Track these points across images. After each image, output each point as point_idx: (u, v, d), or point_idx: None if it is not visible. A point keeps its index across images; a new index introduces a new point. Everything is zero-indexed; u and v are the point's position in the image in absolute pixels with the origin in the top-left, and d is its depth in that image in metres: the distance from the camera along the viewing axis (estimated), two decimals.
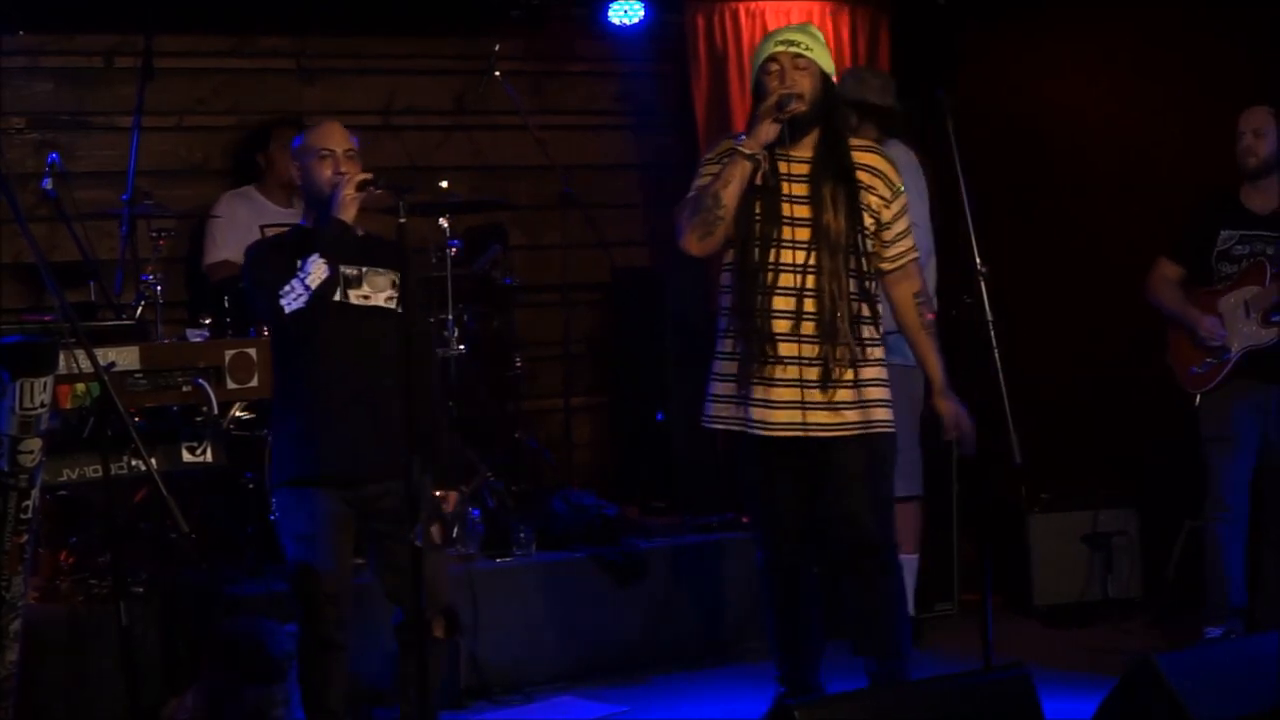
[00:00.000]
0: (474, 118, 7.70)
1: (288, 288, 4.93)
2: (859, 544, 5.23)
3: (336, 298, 4.99)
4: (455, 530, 6.29)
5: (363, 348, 5.01)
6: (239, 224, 6.83)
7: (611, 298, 7.97)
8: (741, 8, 7.68)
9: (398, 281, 5.05)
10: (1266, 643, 4.60)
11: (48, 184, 6.43)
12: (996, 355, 4.97)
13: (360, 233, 5.08)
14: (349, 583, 5.04)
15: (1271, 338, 6.21)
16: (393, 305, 5.06)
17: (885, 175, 5.24)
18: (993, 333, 4.98)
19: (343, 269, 5.00)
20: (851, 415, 5.17)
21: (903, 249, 5.30)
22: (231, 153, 7.27)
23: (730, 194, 5.14)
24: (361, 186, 4.98)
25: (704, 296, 7.61)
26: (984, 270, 5.06)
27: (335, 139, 5.10)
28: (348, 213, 4.97)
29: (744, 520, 6.74)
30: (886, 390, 5.26)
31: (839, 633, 5.74)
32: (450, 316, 6.63)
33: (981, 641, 4.92)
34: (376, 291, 5.06)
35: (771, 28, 7.60)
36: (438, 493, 5.10)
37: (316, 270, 4.91)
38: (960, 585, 7.06)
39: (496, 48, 7.45)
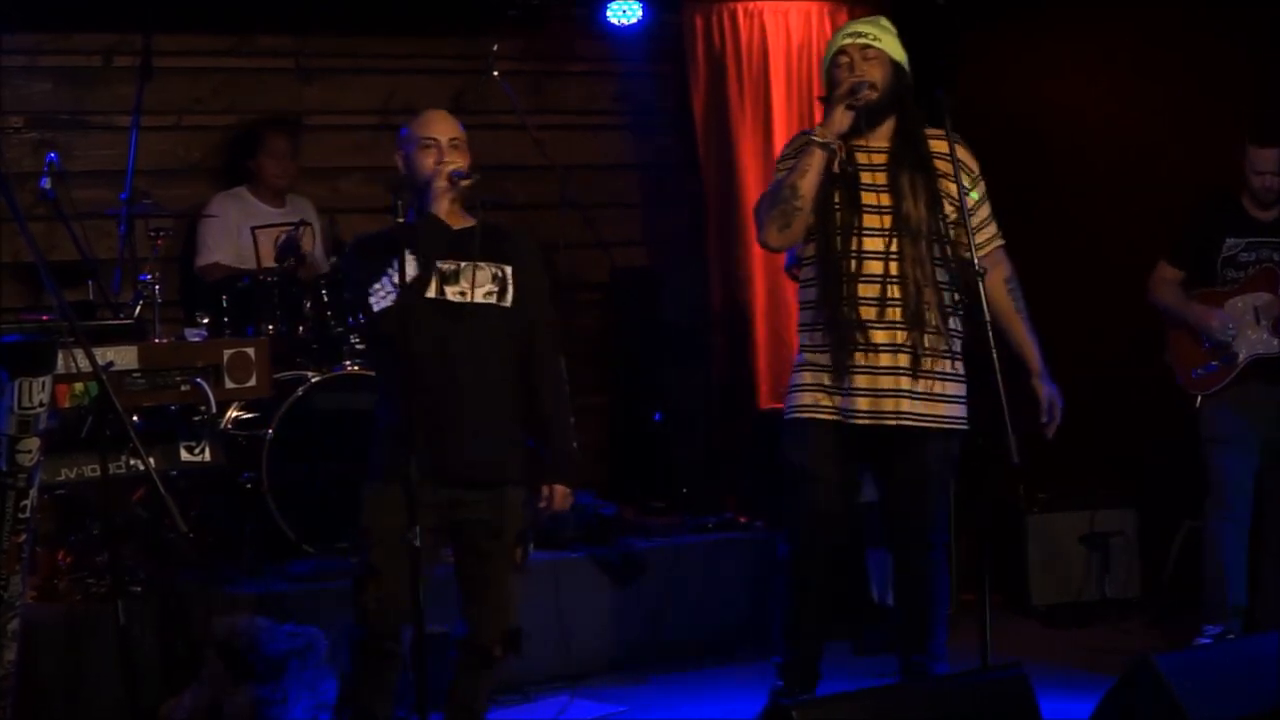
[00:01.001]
0: (472, 117, 7.57)
1: (377, 285, 4.72)
2: (922, 540, 5.28)
3: (431, 294, 4.73)
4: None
5: (456, 347, 4.74)
6: (231, 225, 6.83)
7: (611, 297, 7.95)
8: (739, 8, 7.67)
9: (504, 274, 4.83)
10: (1266, 643, 4.60)
11: (46, 183, 6.42)
12: (996, 355, 4.96)
13: (465, 225, 4.82)
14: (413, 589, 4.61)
15: None
16: (492, 300, 4.81)
17: (963, 163, 5.24)
18: (992, 333, 4.97)
19: (440, 264, 4.74)
20: (943, 408, 5.21)
21: (988, 235, 5.34)
22: (230, 152, 7.27)
23: (807, 183, 5.14)
24: (451, 178, 4.76)
25: (703, 296, 7.63)
26: (984, 270, 5.05)
27: (439, 127, 4.85)
28: (439, 206, 4.74)
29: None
30: (964, 387, 5.28)
31: (838, 633, 5.73)
32: None
33: (979, 641, 4.91)
34: (475, 287, 4.78)
35: (770, 29, 7.64)
36: (545, 488, 4.88)
37: (406, 268, 4.66)
38: (958, 585, 7.02)
39: (495, 47, 7.43)
